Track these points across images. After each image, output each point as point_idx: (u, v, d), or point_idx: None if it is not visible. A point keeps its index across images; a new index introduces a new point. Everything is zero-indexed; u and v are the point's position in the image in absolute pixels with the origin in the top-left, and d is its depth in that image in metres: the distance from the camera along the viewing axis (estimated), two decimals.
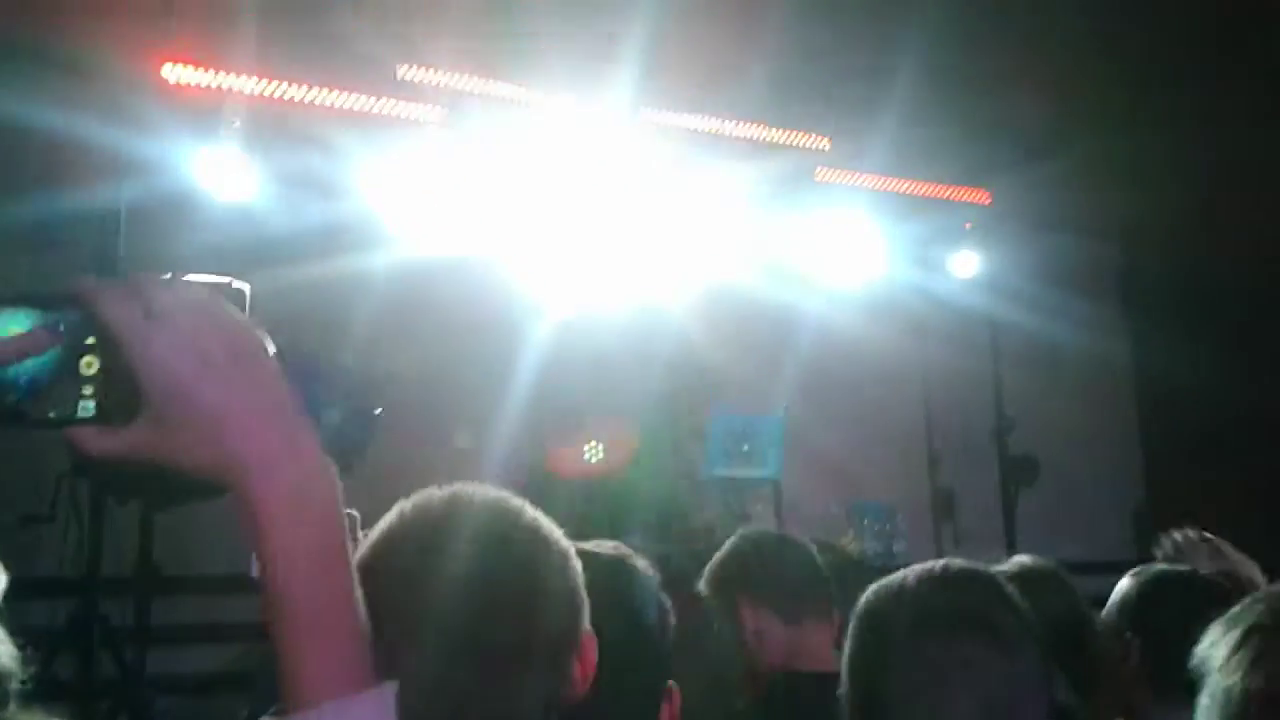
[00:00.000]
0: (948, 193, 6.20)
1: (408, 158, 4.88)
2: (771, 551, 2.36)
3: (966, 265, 6.27)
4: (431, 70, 4.97)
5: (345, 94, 4.79)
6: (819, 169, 5.82)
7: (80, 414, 0.75)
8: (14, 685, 1.20)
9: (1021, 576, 2.24)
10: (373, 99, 4.85)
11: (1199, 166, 6.37)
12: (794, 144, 5.81)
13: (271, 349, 0.77)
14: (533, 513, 1.08)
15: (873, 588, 1.31)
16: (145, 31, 4.43)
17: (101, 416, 0.75)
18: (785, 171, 5.75)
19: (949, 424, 6.65)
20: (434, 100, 4.94)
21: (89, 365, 0.75)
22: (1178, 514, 7.21)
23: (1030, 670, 1.19)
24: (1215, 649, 0.60)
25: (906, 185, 6.07)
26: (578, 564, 1.07)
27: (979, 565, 1.31)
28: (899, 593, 1.26)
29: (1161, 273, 7.27)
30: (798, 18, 4.97)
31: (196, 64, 4.49)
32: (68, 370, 0.75)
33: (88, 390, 0.75)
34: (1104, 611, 2.12)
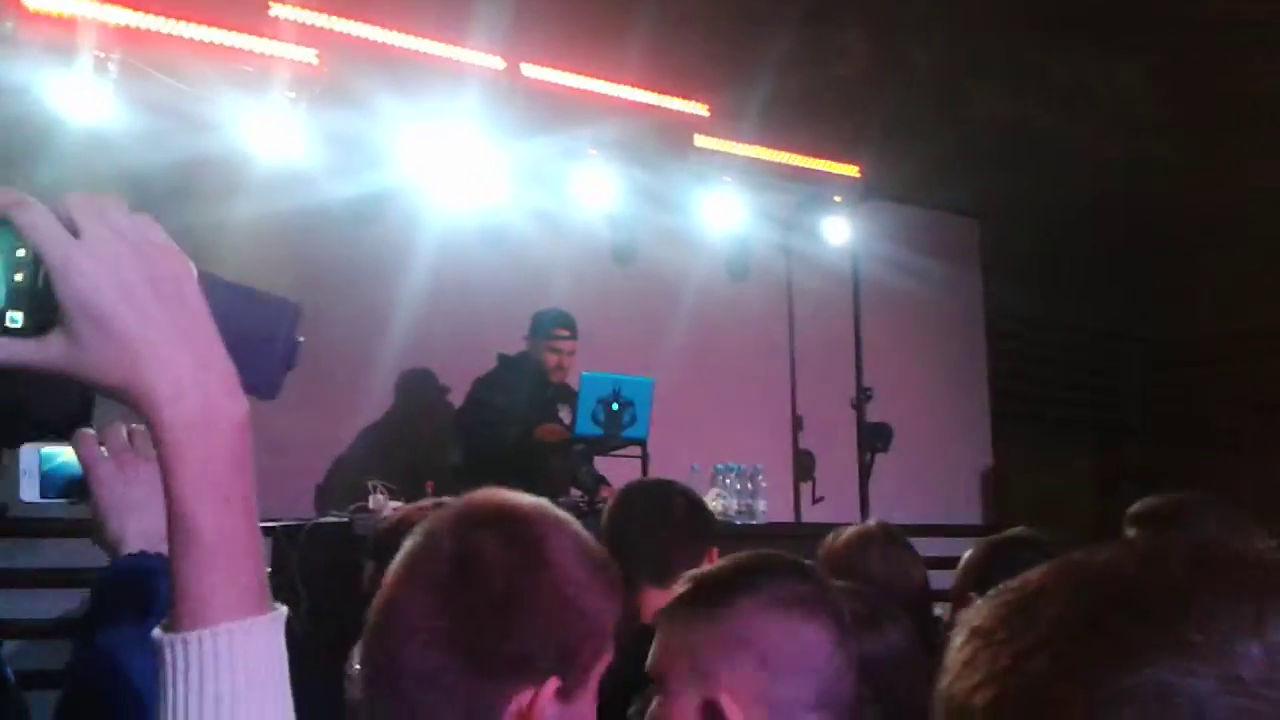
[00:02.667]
0: (820, 165, 6.32)
1: (279, 98, 4.77)
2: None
3: (838, 233, 6.42)
4: (302, 10, 4.86)
5: (214, 29, 4.64)
6: (697, 135, 5.87)
7: (8, 325, 0.74)
8: None
9: (878, 538, 2.36)
10: (240, 35, 4.71)
11: (1053, 145, 6.66)
12: (673, 108, 5.86)
13: (195, 275, 0.77)
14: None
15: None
16: None
17: (26, 330, 0.74)
18: (662, 135, 5.79)
19: (813, 389, 6.83)
20: (303, 40, 4.82)
21: (19, 277, 0.75)
22: (1022, 481, 7.60)
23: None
24: (950, 650, 0.61)
25: (781, 155, 6.17)
26: None
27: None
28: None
29: (1018, 247, 7.58)
30: None
31: None
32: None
33: (15, 301, 0.75)
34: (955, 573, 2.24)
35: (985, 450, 7.65)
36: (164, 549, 1.09)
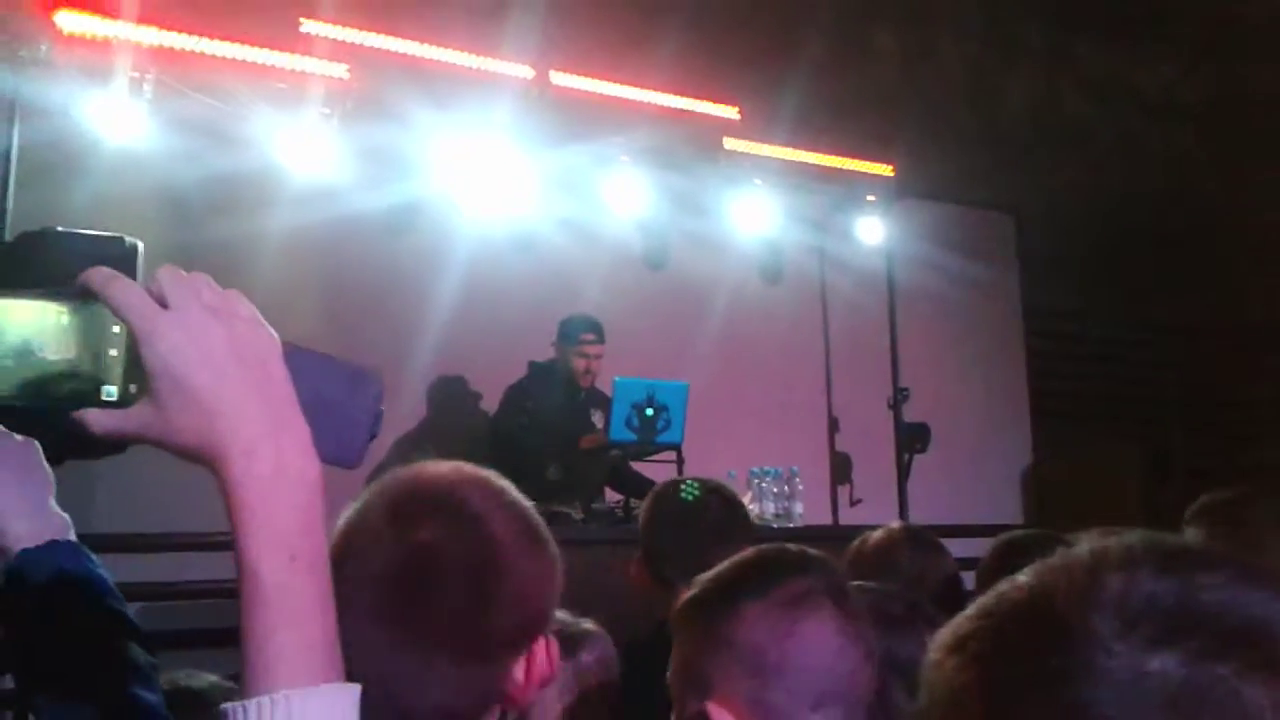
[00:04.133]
0: (853, 164, 6.29)
1: (312, 113, 4.81)
2: None
3: (872, 232, 6.38)
4: (333, 26, 4.90)
5: (246, 47, 4.69)
6: (727, 138, 5.86)
7: (104, 398, 0.80)
8: None
9: (905, 540, 2.34)
10: (275, 53, 4.76)
11: (1090, 140, 6.58)
12: (703, 112, 5.85)
13: (279, 345, 0.81)
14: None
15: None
16: None
17: (122, 401, 0.80)
18: (693, 140, 5.78)
19: (849, 391, 6.79)
20: (335, 56, 4.87)
21: (113, 352, 0.81)
22: (1062, 480, 7.51)
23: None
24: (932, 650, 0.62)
25: (813, 156, 6.14)
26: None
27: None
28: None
29: (1054, 242, 7.50)
30: None
31: (92, 11, 4.36)
32: (94, 357, 0.81)
33: (111, 376, 0.81)
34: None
35: (1025, 448, 7.57)
36: (52, 533, 1.11)
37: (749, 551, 1.32)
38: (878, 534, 2.40)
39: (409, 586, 1.02)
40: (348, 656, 0.78)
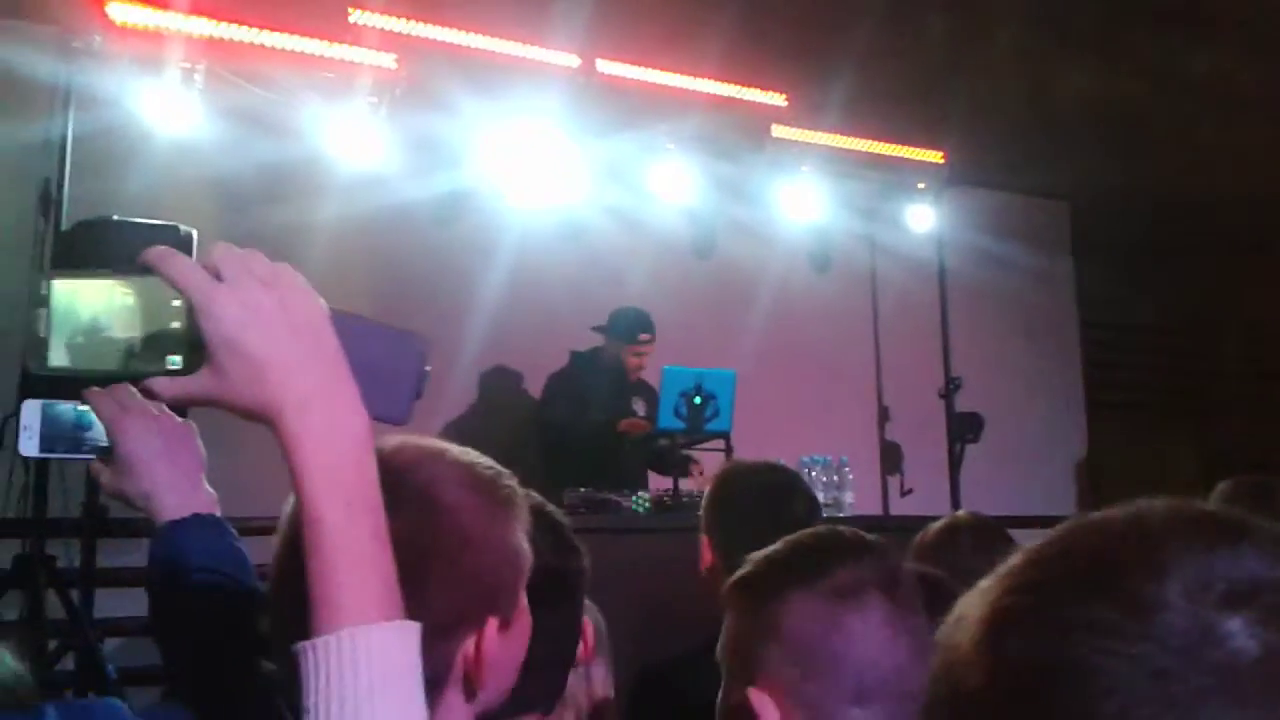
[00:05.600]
0: (903, 152, 6.21)
1: (360, 102, 4.83)
2: None
3: (922, 220, 6.31)
4: (382, 16, 4.92)
5: (295, 37, 4.72)
6: (775, 126, 5.81)
7: (170, 367, 0.87)
8: None
9: (968, 528, 2.29)
10: (324, 43, 4.78)
11: (1146, 125, 6.45)
12: (751, 100, 5.80)
13: (327, 312, 0.87)
14: None
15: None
16: None
17: (186, 369, 0.86)
18: (740, 127, 5.74)
19: (899, 380, 6.73)
20: (383, 46, 4.88)
21: (175, 324, 0.87)
22: (1117, 470, 7.39)
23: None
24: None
25: (862, 143, 6.08)
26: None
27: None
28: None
29: (1109, 229, 7.37)
30: None
31: (143, 2, 4.40)
32: (157, 329, 0.88)
33: (174, 345, 0.87)
34: None
35: (1080, 438, 7.45)
36: (197, 507, 1.22)
37: (804, 534, 1.29)
38: (939, 523, 2.35)
39: None
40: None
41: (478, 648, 0.98)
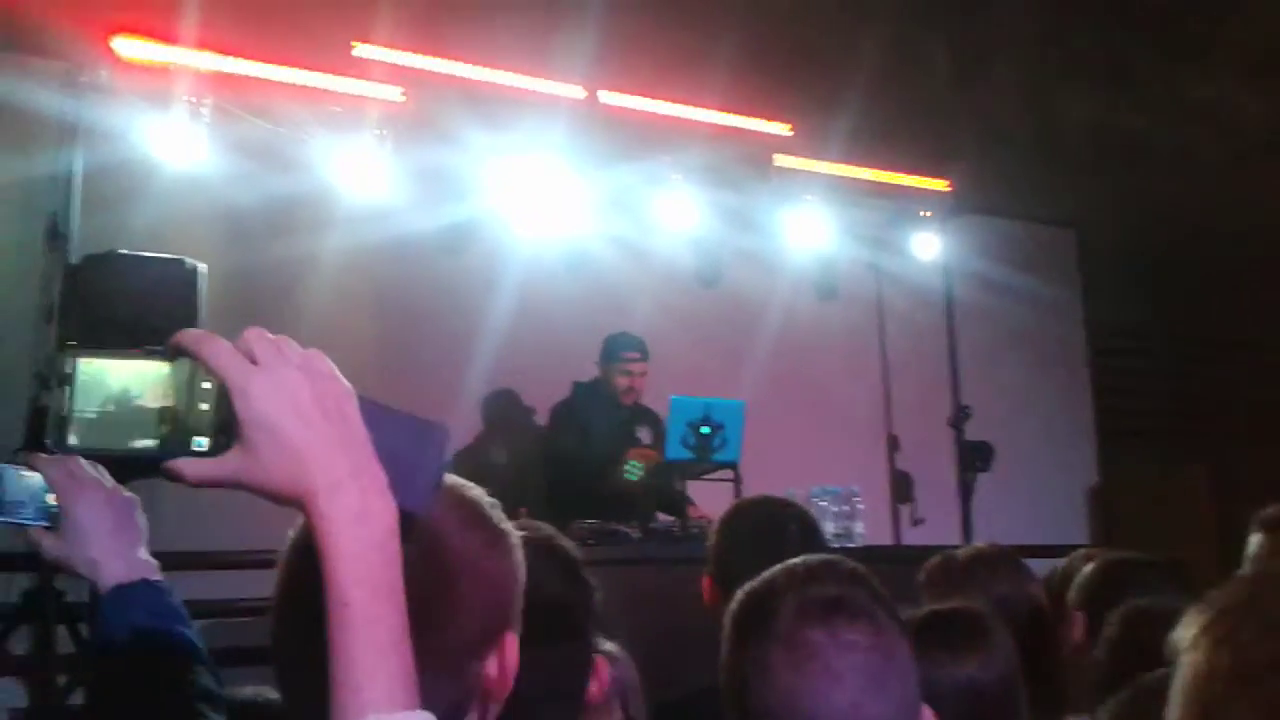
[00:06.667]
0: (908, 180, 6.22)
1: (367, 135, 4.85)
2: None
3: (928, 248, 6.30)
4: (387, 49, 4.95)
5: (302, 71, 4.74)
6: (779, 155, 5.82)
7: (194, 449, 0.88)
8: None
9: (980, 560, 2.26)
10: (330, 76, 4.81)
11: (1151, 153, 6.46)
12: (755, 130, 5.82)
13: (355, 399, 0.88)
14: None
15: (742, 592, 1.28)
16: (98, 4, 4.38)
17: (212, 451, 0.87)
18: (744, 157, 5.75)
19: (907, 409, 6.70)
20: (389, 79, 4.91)
21: (204, 406, 0.88)
22: (1130, 498, 7.34)
23: (900, 647, 1.20)
24: (1186, 629, 0.61)
25: (867, 172, 6.09)
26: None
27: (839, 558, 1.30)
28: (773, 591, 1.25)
29: (1115, 256, 7.36)
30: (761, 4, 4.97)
31: (150, 37, 4.43)
32: (185, 410, 0.89)
33: (202, 427, 0.88)
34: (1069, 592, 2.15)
35: (1090, 466, 7.40)
36: (145, 573, 1.29)
37: (786, 567, 1.27)
38: (960, 553, 2.32)
39: None
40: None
41: (501, 661, 0.99)
